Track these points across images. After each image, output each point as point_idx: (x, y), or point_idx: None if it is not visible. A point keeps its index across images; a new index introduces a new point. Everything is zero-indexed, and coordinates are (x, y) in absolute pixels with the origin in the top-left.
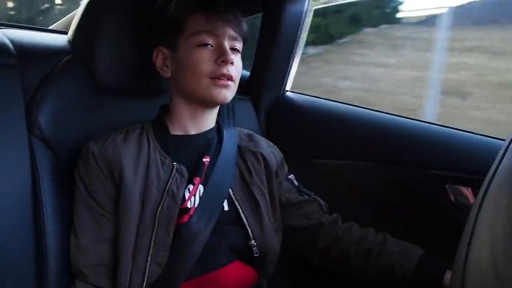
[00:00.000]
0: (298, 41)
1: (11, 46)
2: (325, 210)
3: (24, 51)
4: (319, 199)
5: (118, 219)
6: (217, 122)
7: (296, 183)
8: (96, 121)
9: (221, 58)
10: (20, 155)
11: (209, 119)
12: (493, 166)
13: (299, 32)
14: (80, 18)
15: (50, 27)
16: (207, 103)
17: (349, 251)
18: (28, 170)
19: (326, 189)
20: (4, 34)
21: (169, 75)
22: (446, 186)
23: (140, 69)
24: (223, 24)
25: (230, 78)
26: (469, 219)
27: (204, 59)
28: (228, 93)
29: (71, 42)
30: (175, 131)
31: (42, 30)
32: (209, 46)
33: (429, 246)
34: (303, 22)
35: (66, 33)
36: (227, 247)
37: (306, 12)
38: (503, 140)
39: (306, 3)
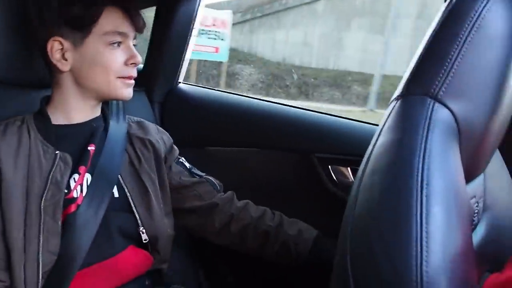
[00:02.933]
0: (191, 33)
1: None
2: (219, 189)
3: None
4: (211, 178)
5: (3, 213)
6: (102, 111)
7: (188, 165)
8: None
9: (132, 61)
10: None
11: (97, 109)
12: (370, 147)
13: (191, 25)
14: None
15: None
16: (109, 98)
17: (246, 231)
18: None
19: (220, 175)
20: None
21: (67, 68)
22: (329, 167)
23: (29, 61)
24: (132, 24)
25: (134, 78)
26: (350, 196)
27: (115, 59)
28: (131, 90)
29: None
30: (58, 120)
31: None
32: (117, 45)
33: (320, 226)
34: (196, 15)
35: None
36: (119, 234)
37: (198, 5)
38: (377, 125)
39: None
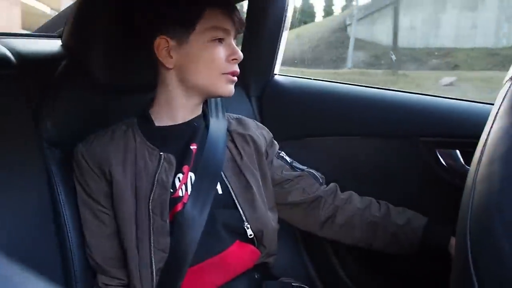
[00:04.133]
0: (284, 25)
1: (11, 56)
2: (321, 182)
3: (24, 60)
4: (313, 171)
5: (116, 214)
6: (202, 110)
7: (288, 159)
8: (100, 120)
9: (233, 56)
10: (34, 162)
11: (198, 108)
12: (485, 132)
13: (284, 17)
14: (73, 22)
15: (36, 31)
16: (212, 95)
17: (352, 223)
18: (44, 178)
19: (322, 165)
20: (2, 45)
21: (172, 66)
22: (437, 151)
23: (136, 65)
24: (234, 21)
25: (237, 74)
26: (467, 182)
27: (219, 55)
28: (233, 87)
29: (66, 46)
30: (162, 121)
31: (33, 36)
32: (219, 41)
33: (428, 213)
34: (288, 6)
35: (57, 36)
36: (225, 230)
37: None
38: (486, 104)
39: None
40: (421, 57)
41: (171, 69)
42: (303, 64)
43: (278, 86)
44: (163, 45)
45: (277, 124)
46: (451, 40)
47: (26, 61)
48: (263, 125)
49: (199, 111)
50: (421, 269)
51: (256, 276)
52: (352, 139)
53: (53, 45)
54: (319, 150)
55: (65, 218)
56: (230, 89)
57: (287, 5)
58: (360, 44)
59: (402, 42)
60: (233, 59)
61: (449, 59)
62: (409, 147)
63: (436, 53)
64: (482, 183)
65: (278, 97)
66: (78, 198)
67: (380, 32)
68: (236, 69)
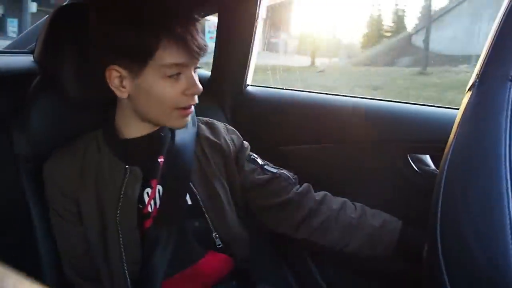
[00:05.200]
0: (255, 35)
1: None
2: (294, 182)
3: None
4: (285, 172)
5: (85, 229)
6: None
7: (260, 162)
8: (71, 134)
9: (191, 91)
10: (6, 178)
11: None
12: (450, 138)
13: (255, 26)
14: (44, 38)
15: (6, 48)
16: (165, 126)
17: (327, 224)
18: (16, 193)
19: (296, 174)
20: None
21: (125, 96)
22: (408, 155)
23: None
24: (194, 53)
25: (194, 105)
26: (436, 186)
27: (173, 90)
28: (188, 119)
29: (38, 62)
30: (126, 134)
31: (4, 53)
32: (176, 76)
33: (401, 216)
34: (258, 16)
35: (28, 52)
36: (196, 241)
37: (259, 5)
38: (454, 108)
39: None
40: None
41: (125, 98)
42: None
43: (251, 97)
44: (114, 75)
45: (250, 135)
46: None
47: None
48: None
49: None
50: (397, 271)
51: (233, 283)
52: (326, 146)
53: (25, 61)
54: (294, 159)
55: (38, 232)
56: (183, 122)
57: (258, 16)
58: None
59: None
60: (191, 93)
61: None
62: (381, 153)
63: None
64: (448, 186)
65: (251, 107)
66: (50, 212)
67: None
68: (193, 102)
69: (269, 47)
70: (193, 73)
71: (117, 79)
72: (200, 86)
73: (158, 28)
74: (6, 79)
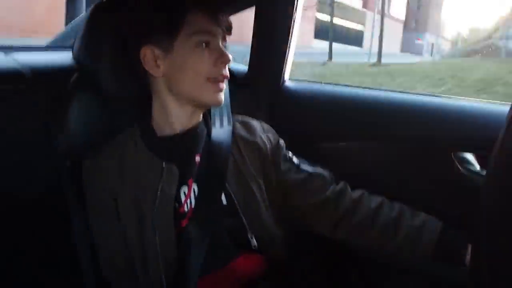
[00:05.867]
0: (293, 29)
1: (23, 71)
2: (331, 181)
3: (36, 74)
4: (321, 171)
5: (123, 227)
6: (205, 116)
7: (296, 161)
8: (108, 131)
9: (221, 59)
10: (45, 173)
11: (197, 115)
12: (501, 133)
13: (292, 21)
14: (82, 35)
15: (51, 42)
16: (200, 105)
17: (364, 223)
18: (55, 188)
19: (335, 172)
20: (14, 59)
21: (160, 74)
22: (452, 154)
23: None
24: (220, 23)
25: (226, 78)
26: (484, 187)
27: (204, 60)
28: (223, 95)
29: (77, 60)
30: (163, 131)
31: (46, 48)
32: (205, 45)
33: (443, 218)
34: (296, 9)
35: (69, 48)
36: (231, 241)
37: (297, 2)
38: (501, 104)
39: None
40: None
41: (160, 78)
42: None
43: (289, 91)
44: (149, 55)
45: (288, 130)
46: None
47: (38, 74)
48: (275, 130)
49: (198, 118)
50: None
51: (267, 285)
52: (366, 144)
53: (65, 57)
54: (333, 155)
55: (77, 229)
56: (218, 98)
57: (296, 6)
58: None
59: None
60: (221, 62)
61: None
62: (423, 151)
63: None
64: (498, 188)
65: (289, 102)
66: (88, 209)
67: None
68: (225, 72)
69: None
70: (221, 44)
71: (152, 59)
72: (230, 56)
73: (184, 1)
74: (45, 76)
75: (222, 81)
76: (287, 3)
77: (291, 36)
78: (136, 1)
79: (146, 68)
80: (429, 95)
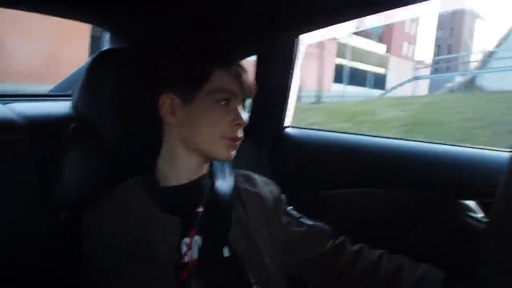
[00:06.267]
0: (293, 76)
1: (19, 121)
2: (331, 234)
3: (32, 124)
4: (321, 225)
5: (122, 279)
6: (209, 167)
7: (296, 215)
8: (107, 182)
9: (236, 121)
10: (38, 225)
11: (204, 167)
12: (502, 184)
13: (293, 68)
14: (82, 84)
15: (52, 90)
16: (211, 158)
17: (364, 277)
18: (48, 240)
19: (336, 219)
20: (10, 109)
21: (175, 124)
22: (456, 201)
23: (143, 125)
24: (242, 84)
25: (240, 140)
26: (486, 236)
27: (222, 118)
28: (234, 152)
29: (75, 109)
30: (167, 180)
31: (45, 96)
32: (224, 103)
33: (447, 267)
34: (296, 57)
35: (68, 96)
36: None
37: (298, 47)
38: (504, 151)
39: (296, 41)
40: None
41: (174, 127)
42: None
43: (290, 138)
44: (168, 103)
45: (289, 177)
46: None
47: (35, 125)
48: (275, 178)
49: (204, 170)
50: None
51: None
52: (368, 191)
53: (63, 106)
54: (333, 203)
55: (73, 280)
56: (230, 154)
57: (296, 54)
58: None
59: None
60: (236, 124)
61: None
62: (427, 198)
63: None
64: (498, 236)
65: (290, 149)
66: (84, 264)
67: None
68: (239, 134)
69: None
70: (239, 107)
71: (170, 107)
72: (245, 120)
73: (213, 57)
74: (42, 126)
75: (236, 141)
76: (288, 50)
77: (291, 83)
78: (167, 49)
79: (162, 114)
80: (432, 142)
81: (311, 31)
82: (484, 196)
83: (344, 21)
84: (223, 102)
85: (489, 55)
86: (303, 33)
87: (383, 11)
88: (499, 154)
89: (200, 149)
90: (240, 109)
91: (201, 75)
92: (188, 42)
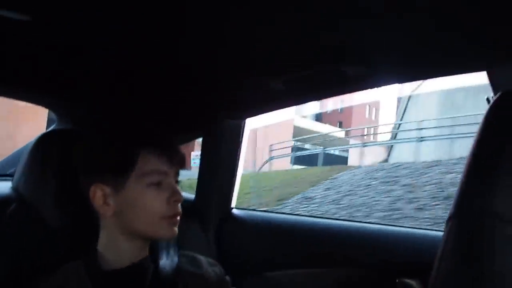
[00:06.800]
0: (239, 158)
1: None
2: None
3: None
4: None
5: None
6: (152, 249)
7: None
8: (51, 265)
9: (174, 198)
10: None
11: (145, 249)
12: (434, 270)
13: (239, 150)
14: (25, 164)
15: None
16: (154, 239)
17: None
18: None
19: None
20: None
21: (110, 213)
22: (397, 280)
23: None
24: (173, 161)
25: (179, 215)
26: None
27: (157, 199)
28: (176, 228)
29: (16, 190)
30: (108, 265)
31: None
32: (158, 184)
33: None
34: (242, 139)
35: (8, 175)
36: None
37: (243, 129)
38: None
39: (243, 124)
40: None
41: (110, 217)
42: None
43: (236, 220)
44: (98, 193)
45: (236, 259)
46: None
47: None
48: (221, 259)
49: (146, 252)
50: None
51: None
52: (314, 272)
53: (3, 186)
54: (280, 285)
55: None
56: (173, 231)
57: (242, 136)
58: None
59: None
60: (174, 201)
61: None
62: (369, 278)
63: None
64: None
65: (237, 231)
66: None
67: None
68: (178, 210)
69: None
70: (174, 182)
71: (101, 197)
72: (182, 195)
73: (137, 142)
74: None
75: (176, 217)
76: (235, 132)
77: (238, 164)
78: (87, 139)
79: (95, 207)
80: (378, 223)
81: (258, 114)
82: (424, 275)
83: (290, 106)
84: (156, 183)
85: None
86: (251, 116)
87: (323, 98)
88: (435, 233)
89: (141, 233)
90: (174, 184)
91: (126, 162)
92: (112, 127)
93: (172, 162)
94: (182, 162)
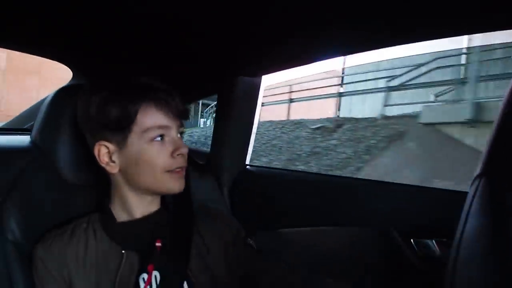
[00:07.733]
0: (255, 115)
1: None
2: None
3: None
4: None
5: None
6: (165, 202)
7: (256, 248)
8: (64, 216)
9: (178, 152)
10: None
11: (156, 203)
12: (458, 231)
13: (255, 107)
14: (42, 118)
15: (7, 125)
16: (161, 193)
17: None
18: (5, 276)
19: (296, 257)
20: None
21: (116, 170)
22: (412, 240)
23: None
24: (174, 115)
25: (184, 168)
26: (446, 281)
27: (160, 154)
28: (183, 181)
29: (34, 142)
30: (122, 217)
31: (3, 130)
32: (160, 139)
33: None
34: (258, 95)
35: (27, 130)
36: None
37: (260, 85)
38: (459, 192)
39: (260, 80)
40: None
41: (116, 173)
42: None
43: (250, 177)
44: (103, 151)
45: (249, 215)
46: None
47: None
48: (235, 216)
49: (157, 205)
50: None
51: None
52: (327, 229)
53: (21, 140)
54: (293, 241)
55: None
56: (179, 185)
57: (258, 98)
58: None
59: None
60: (178, 154)
61: None
62: (383, 237)
63: None
64: (461, 283)
65: (251, 187)
66: None
67: None
68: (182, 163)
69: None
70: (178, 135)
71: (106, 155)
72: (186, 147)
73: (135, 97)
74: (3, 158)
75: (182, 171)
76: (249, 90)
77: (253, 120)
78: (88, 96)
79: (101, 164)
80: (390, 182)
81: (274, 72)
82: (442, 235)
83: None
84: (158, 138)
85: None
86: (267, 73)
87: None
88: (455, 193)
89: (148, 188)
90: (177, 138)
91: (125, 118)
92: (113, 84)
93: (173, 115)
94: (184, 115)
